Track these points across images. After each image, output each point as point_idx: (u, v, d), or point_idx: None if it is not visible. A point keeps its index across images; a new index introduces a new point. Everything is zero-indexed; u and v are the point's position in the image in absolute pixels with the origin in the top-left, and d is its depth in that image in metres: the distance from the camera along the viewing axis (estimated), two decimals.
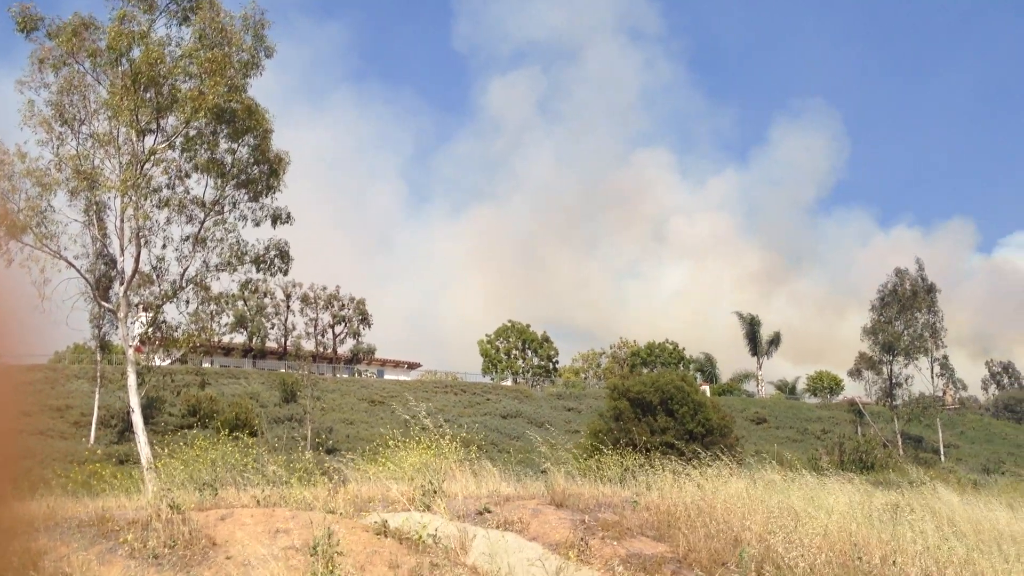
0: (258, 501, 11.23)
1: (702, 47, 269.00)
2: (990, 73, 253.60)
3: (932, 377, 70.22)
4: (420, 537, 9.22)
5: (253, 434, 32.81)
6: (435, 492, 10.79)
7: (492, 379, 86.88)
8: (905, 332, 68.33)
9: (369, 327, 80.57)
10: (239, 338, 74.82)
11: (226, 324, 65.51)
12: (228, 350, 72.73)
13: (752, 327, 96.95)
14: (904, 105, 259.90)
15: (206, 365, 58.18)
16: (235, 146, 26.18)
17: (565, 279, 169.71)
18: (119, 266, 25.65)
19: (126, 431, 38.12)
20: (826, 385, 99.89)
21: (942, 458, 63.24)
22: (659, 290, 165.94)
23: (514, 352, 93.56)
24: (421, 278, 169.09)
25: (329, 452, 27.53)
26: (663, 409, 29.48)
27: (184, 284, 26.56)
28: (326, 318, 78.54)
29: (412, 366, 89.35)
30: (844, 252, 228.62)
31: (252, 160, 26.37)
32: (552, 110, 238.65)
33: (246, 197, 26.73)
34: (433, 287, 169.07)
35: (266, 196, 26.94)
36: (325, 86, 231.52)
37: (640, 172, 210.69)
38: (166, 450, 15.76)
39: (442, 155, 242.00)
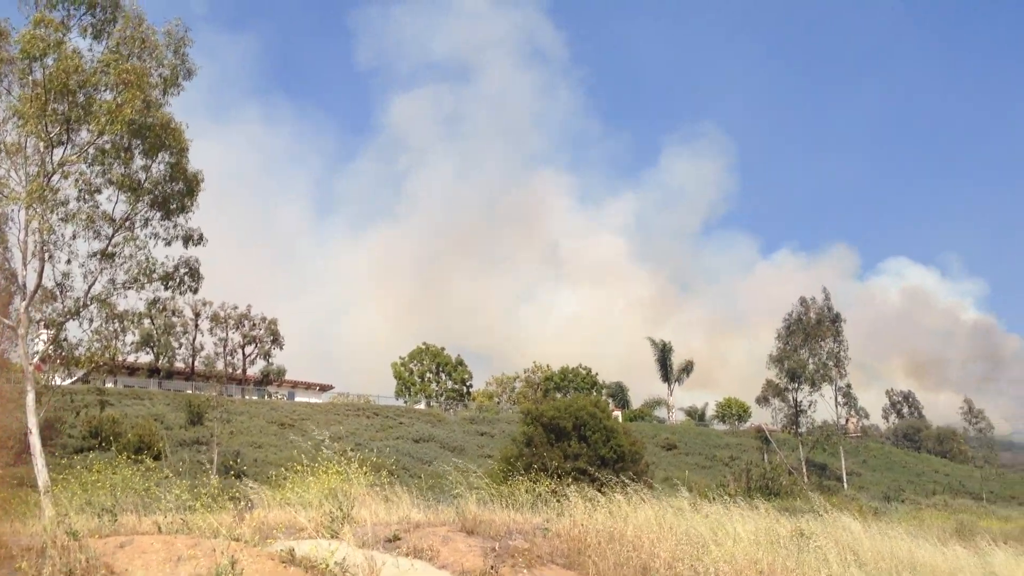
0: (160, 528, 10.90)
1: (602, 72, 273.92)
2: (876, 105, 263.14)
3: (836, 405, 71.96)
4: (327, 565, 9.04)
5: (157, 457, 31.99)
6: (343, 519, 10.61)
7: (405, 402, 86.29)
8: (810, 360, 69.89)
9: (281, 348, 79.44)
10: (145, 358, 73.06)
11: (131, 343, 63.73)
12: (133, 370, 70.78)
13: (664, 353, 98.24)
14: (793, 133, 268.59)
15: (109, 385, 56.61)
16: (150, 162, 25.59)
17: (463, 301, 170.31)
18: (20, 281, 24.79)
19: (23, 453, 36.70)
20: (734, 412, 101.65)
21: (845, 485, 64.68)
22: (554, 314, 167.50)
23: (428, 375, 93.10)
24: (325, 297, 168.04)
25: (236, 477, 26.94)
26: (576, 435, 29.53)
27: (88, 301, 25.78)
28: (236, 338, 77.18)
29: (324, 388, 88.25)
30: (730, 277, 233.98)
31: (168, 177, 25.81)
32: (453, 129, 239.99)
33: (158, 215, 26.12)
34: (336, 306, 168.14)
35: (180, 215, 26.37)
36: (231, 101, 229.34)
37: (538, 193, 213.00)
38: (64, 474, 15.23)
39: (346, 173, 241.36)
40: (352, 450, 13.50)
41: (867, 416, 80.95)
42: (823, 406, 71.20)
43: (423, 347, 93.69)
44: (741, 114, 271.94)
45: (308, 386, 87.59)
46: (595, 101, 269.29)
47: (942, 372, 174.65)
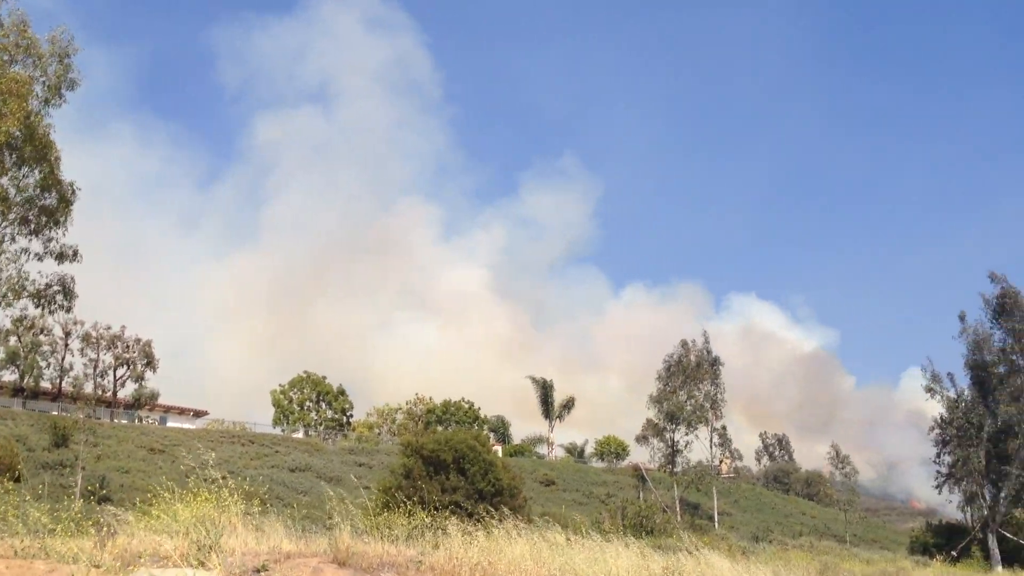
0: (16, 552, 10.40)
1: (471, 105, 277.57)
2: (744, 159, 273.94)
3: (711, 446, 73.49)
4: None
5: (16, 479, 30.55)
6: (211, 547, 10.31)
7: (283, 431, 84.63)
8: (688, 402, 71.31)
9: (154, 371, 77.09)
10: (10, 376, 69.98)
11: None
12: None
13: (545, 391, 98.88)
14: (646, 171, 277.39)
15: None
16: (22, 173, 24.60)
17: (322, 330, 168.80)
18: None
19: None
20: (613, 450, 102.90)
21: (716, 525, 66.02)
22: (412, 345, 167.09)
23: (308, 404, 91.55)
24: (189, 321, 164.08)
25: (101, 502, 25.91)
26: (455, 468, 29.46)
27: None
28: (108, 359, 74.60)
29: (198, 414, 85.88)
30: (584, 313, 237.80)
31: (40, 188, 24.86)
32: (318, 155, 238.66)
33: (26, 231, 25.09)
34: (200, 331, 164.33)
35: (53, 229, 25.43)
36: (99, 117, 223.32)
37: (401, 223, 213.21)
38: None
39: (211, 195, 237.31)
40: (224, 478, 13.12)
41: (740, 458, 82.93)
42: (699, 446, 72.71)
43: (304, 375, 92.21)
44: (603, 153, 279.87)
45: (182, 411, 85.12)
46: (461, 134, 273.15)
47: (773, 409, 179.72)
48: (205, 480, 13.57)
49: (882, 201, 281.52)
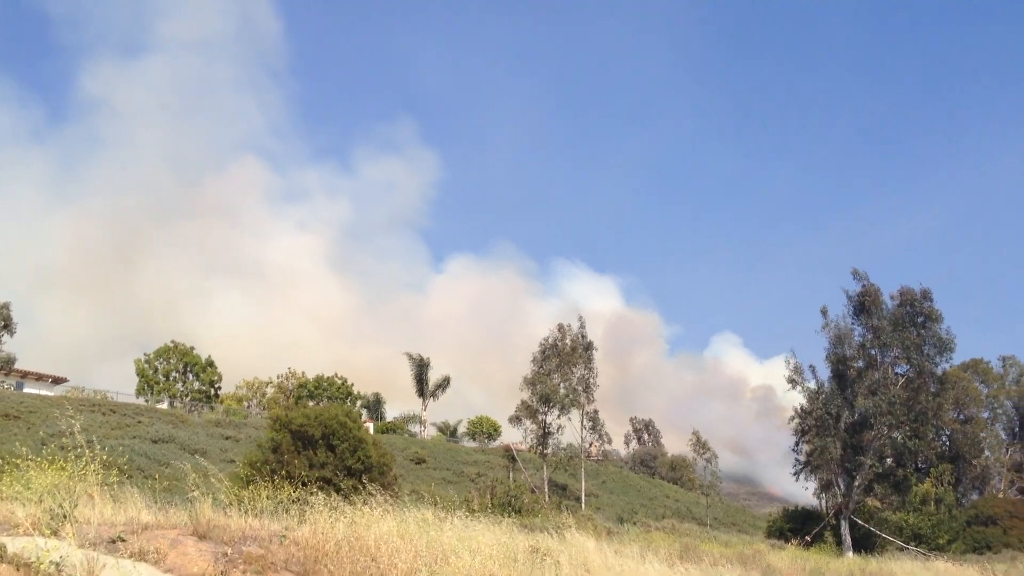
0: None
1: (312, 66, 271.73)
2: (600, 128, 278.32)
3: (582, 429, 74.60)
4: (41, 564, 8.40)
5: None
6: (65, 517, 9.91)
7: (147, 401, 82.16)
8: (562, 385, 72.19)
9: (12, 335, 73.72)
10: None
11: None
12: None
13: (421, 369, 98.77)
14: (485, 144, 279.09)
15: None
16: None
17: (148, 293, 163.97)
18: None
19: None
20: (485, 430, 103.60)
21: (583, 506, 67.13)
22: (237, 314, 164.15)
23: (174, 374, 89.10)
24: (14, 281, 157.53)
25: None
26: (324, 443, 29.07)
27: None
28: None
29: (57, 380, 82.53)
30: (409, 286, 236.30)
31: None
32: (153, 111, 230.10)
33: None
34: (25, 291, 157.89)
35: None
36: None
37: (228, 187, 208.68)
38: None
39: (37, 149, 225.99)
40: (81, 447, 12.60)
41: (610, 441, 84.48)
42: (570, 429, 73.74)
43: (171, 345, 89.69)
44: (442, 120, 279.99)
45: (39, 377, 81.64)
46: (301, 97, 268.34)
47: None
48: (63, 448, 13.04)
49: (753, 197, 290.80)
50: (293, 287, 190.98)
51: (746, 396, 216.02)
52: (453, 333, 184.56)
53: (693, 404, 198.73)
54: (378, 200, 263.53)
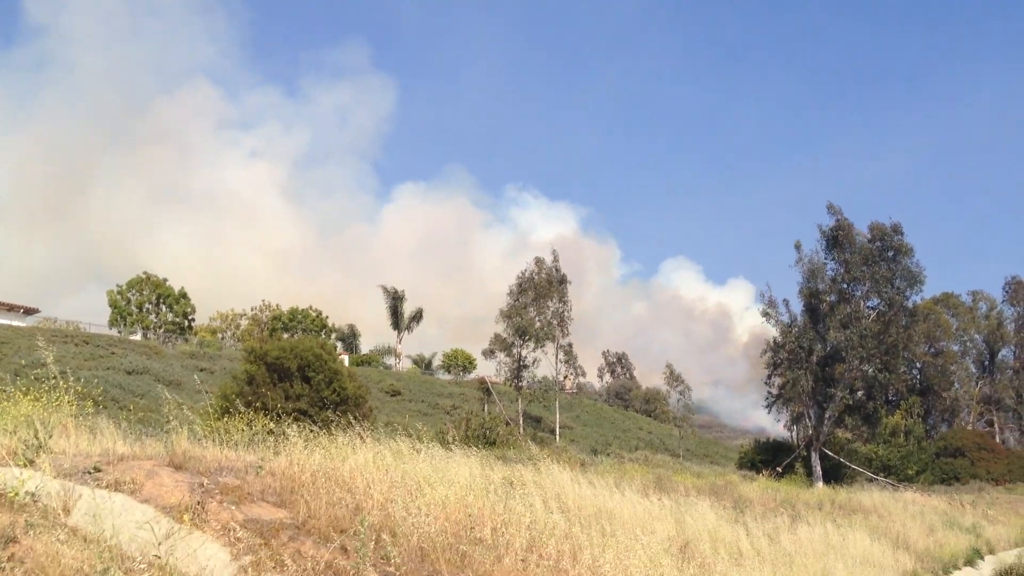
0: None
1: None
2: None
3: (556, 362, 75.17)
4: (16, 494, 8.40)
5: None
6: (40, 447, 9.89)
7: (120, 332, 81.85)
8: (537, 318, 72.53)
9: None
10: None
11: None
12: None
13: (395, 301, 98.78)
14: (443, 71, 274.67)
15: None
16: None
17: (97, 220, 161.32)
18: None
19: None
20: (460, 363, 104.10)
21: (557, 438, 67.96)
22: (185, 244, 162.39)
23: (147, 306, 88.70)
24: None
25: None
26: (299, 376, 29.13)
27: None
28: None
29: (29, 311, 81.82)
30: (360, 217, 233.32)
31: None
32: (101, 30, 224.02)
33: None
34: None
35: None
36: None
37: (178, 113, 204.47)
38: None
39: None
40: (55, 378, 12.52)
41: (584, 374, 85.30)
42: (545, 362, 74.26)
43: (144, 276, 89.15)
44: (399, 48, 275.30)
45: (10, 308, 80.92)
46: (252, 23, 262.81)
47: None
48: (37, 379, 12.96)
49: (723, 133, 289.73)
50: (246, 217, 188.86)
51: (702, 320, 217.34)
52: (405, 265, 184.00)
53: (648, 331, 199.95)
54: (332, 127, 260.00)
